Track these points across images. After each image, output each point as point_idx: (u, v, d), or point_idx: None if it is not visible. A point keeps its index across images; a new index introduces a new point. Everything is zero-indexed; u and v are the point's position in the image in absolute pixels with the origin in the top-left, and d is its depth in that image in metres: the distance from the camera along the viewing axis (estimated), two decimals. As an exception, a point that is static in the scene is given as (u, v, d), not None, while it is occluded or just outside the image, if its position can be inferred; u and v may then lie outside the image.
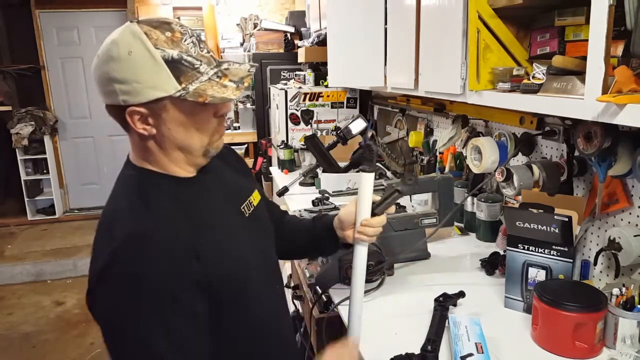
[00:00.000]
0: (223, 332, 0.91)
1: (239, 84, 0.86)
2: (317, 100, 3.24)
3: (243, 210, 1.02)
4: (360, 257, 1.13)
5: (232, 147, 1.20)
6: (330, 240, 1.22)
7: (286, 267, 2.45)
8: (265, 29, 4.39)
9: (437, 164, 2.27)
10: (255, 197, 1.09)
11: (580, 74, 1.02)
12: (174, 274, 0.81)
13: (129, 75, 0.81)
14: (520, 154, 1.68)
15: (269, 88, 4.02)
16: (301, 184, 2.66)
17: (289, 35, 4.29)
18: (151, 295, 0.79)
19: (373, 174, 1.11)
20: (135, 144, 0.91)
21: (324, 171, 2.55)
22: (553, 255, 1.23)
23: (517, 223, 1.27)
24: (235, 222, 0.99)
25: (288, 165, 3.06)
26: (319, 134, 2.97)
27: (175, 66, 0.82)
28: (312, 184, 2.63)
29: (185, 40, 0.84)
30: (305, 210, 2.15)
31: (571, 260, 1.22)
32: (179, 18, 5.12)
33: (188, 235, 0.85)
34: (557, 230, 1.21)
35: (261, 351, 1.00)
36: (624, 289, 1.11)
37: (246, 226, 1.01)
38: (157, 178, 0.91)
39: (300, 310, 1.96)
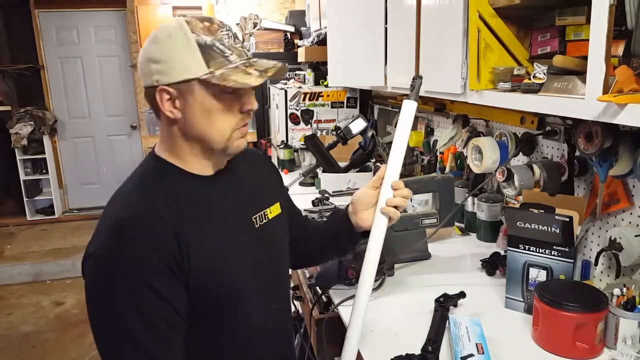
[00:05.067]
0: (201, 336, 0.91)
1: (263, 73, 0.89)
2: (317, 100, 3.23)
3: (254, 220, 1.01)
4: (378, 237, 1.05)
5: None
6: (347, 230, 1.15)
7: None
8: (265, 29, 4.38)
9: (438, 164, 2.26)
10: (274, 210, 1.07)
11: (581, 73, 1.02)
12: (149, 260, 0.83)
13: (164, 55, 0.87)
14: (521, 153, 1.68)
15: (269, 88, 4.01)
16: (301, 184, 2.66)
17: (288, 34, 4.29)
18: (126, 278, 0.82)
19: (415, 104, 1.04)
20: (163, 130, 0.94)
21: (324, 171, 2.54)
22: (554, 255, 1.23)
23: (517, 223, 1.27)
24: (238, 230, 0.98)
25: (288, 165, 3.06)
26: (319, 133, 2.97)
27: (207, 51, 0.87)
28: (312, 184, 2.63)
29: (221, 31, 0.89)
30: (305, 210, 2.14)
31: (572, 261, 1.21)
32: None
33: (174, 225, 0.86)
34: (557, 231, 1.21)
35: None
36: (624, 289, 1.11)
37: (251, 236, 1.00)
38: (170, 169, 0.93)
39: (300, 311, 1.96)
